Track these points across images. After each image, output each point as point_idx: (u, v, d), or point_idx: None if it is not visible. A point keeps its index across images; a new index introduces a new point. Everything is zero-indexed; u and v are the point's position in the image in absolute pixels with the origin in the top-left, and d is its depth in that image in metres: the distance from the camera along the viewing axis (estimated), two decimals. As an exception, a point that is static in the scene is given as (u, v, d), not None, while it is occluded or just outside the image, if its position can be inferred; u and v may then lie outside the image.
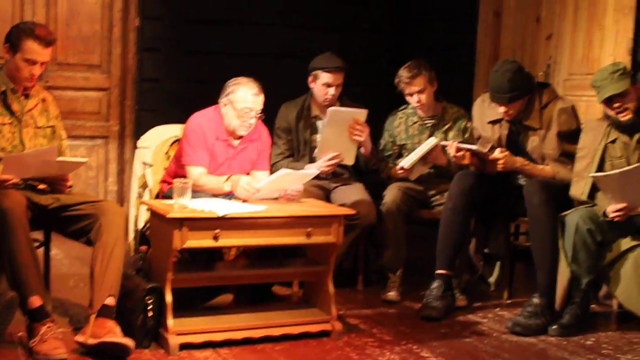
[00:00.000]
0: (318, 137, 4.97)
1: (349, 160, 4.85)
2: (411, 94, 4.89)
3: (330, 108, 4.74)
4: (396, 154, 5.05)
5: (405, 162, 4.75)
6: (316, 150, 4.85)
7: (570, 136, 4.48)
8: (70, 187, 4.04)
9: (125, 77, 6.69)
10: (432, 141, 4.72)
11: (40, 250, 4.04)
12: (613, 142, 4.28)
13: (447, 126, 4.98)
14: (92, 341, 3.50)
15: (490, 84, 4.48)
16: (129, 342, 3.48)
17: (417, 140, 4.97)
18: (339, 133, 4.71)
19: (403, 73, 4.87)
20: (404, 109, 5.09)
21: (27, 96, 4.01)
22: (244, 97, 4.24)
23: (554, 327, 4.18)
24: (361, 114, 4.74)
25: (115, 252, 3.72)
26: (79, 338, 3.56)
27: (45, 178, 3.93)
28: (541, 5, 6.05)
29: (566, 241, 4.22)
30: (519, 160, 4.52)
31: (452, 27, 6.98)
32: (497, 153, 4.46)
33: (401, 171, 4.78)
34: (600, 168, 4.26)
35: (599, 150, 4.28)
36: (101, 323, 3.55)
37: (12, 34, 3.91)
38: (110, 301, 3.63)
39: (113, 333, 3.51)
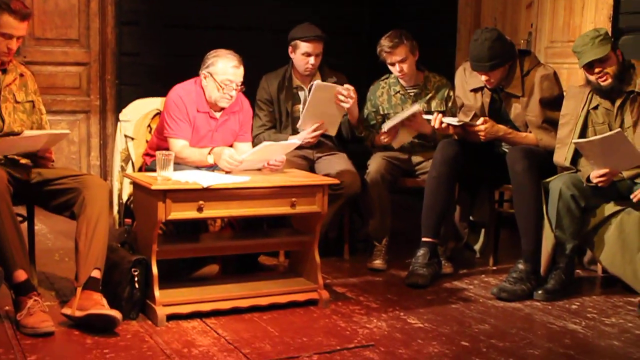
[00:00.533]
0: (300, 107, 4.96)
1: (332, 132, 4.86)
2: (393, 64, 4.88)
3: (316, 82, 4.71)
4: (379, 123, 5.04)
5: (385, 125, 4.76)
6: (299, 123, 4.83)
7: (552, 103, 4.49)
8: (53, 161, 4.01)
9: (105, 51, 6.63)
10: (415, 108, 4.72)
11: (24, 225, 4.01)
12: (595, 108, 4.29)
13: (429, 95, 4.97)
14: (79, 314, 3.49)
15: (470, 53, 4.47)
16: (116, 313, 3.47)
17: (400, 109, 4.96)
18: (323, 105, 4.70)
19: (384, 42, 4.85)
20: (387, 78, 5.08)
21: (4, 71, 3.96)
22: (224, 69, 4.21)
23: (539, 292, 4.21)
24: (345, 90, 4.74)
25: (99, 225, 3.71)
26: (66, 311, 3.55)
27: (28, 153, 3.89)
28: (521, -27, 6.05)
29: (550, 207, 4.23)
30: (502, 129, 4.52)
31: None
32: (480, 123, 4.46)
33: (384, 137, 4.78)
34: (582, 134, 4.28)
35: (581, 117, 4.30)
36: (87, 296, 3.54)
37: None
38: (96, 274, 3.62)
39: (100, 305, 3.50)
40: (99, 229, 3.69)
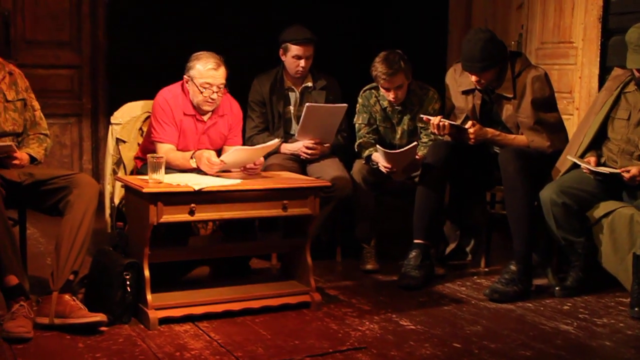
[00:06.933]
0: (291, 109, 4.99)
1: (329, 141, 4.91)
2: (388, 90, 4.73)
3: (307, 104, 4.68)
4: (374, 129, 4.94)
5: (379, 157, 4.66)
6: (295, 134, 4.86)
7: (544, 104, 4.49)
8: (22, 166, 3.86)
9: (96, 54, 6.63)
10: (412, 145, 4.58)
11: (16, 229, 4.00)
12: (627, 93, 4.30)
13: (414, 111, 4.84)
14: (58, 321, 3.49)
15: (463, 53, 4.45)
16: (98, 317, 3.48)
17: (389, 124, 4.89)
18: (317, 122, 4.73)
19: (381, 68, 4.64)
20: (378, 88, 4.89)
21: None
22: (201, 73, 4.12)
23: (557, 289, 4.30)
24: (339, 109, 4.75)
25: (82, 227, 3.67)
26: (42, 320, 3.53)
27: None
28: (511, -26, 6.07)
29: (546, 217, 4.26)
30: (490, 132, 4.51)
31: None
32: (468, 126, 4.43)
33: (386, 170, 4.65)
34: (611, 110, 4.32)
35: (614, 93, 4.32)
36: (60, 300, 3.54)
37: None
38: (71, 276, 3.62)
39: (77, 309, 3.50)
40: (81, 231, 3.65)
